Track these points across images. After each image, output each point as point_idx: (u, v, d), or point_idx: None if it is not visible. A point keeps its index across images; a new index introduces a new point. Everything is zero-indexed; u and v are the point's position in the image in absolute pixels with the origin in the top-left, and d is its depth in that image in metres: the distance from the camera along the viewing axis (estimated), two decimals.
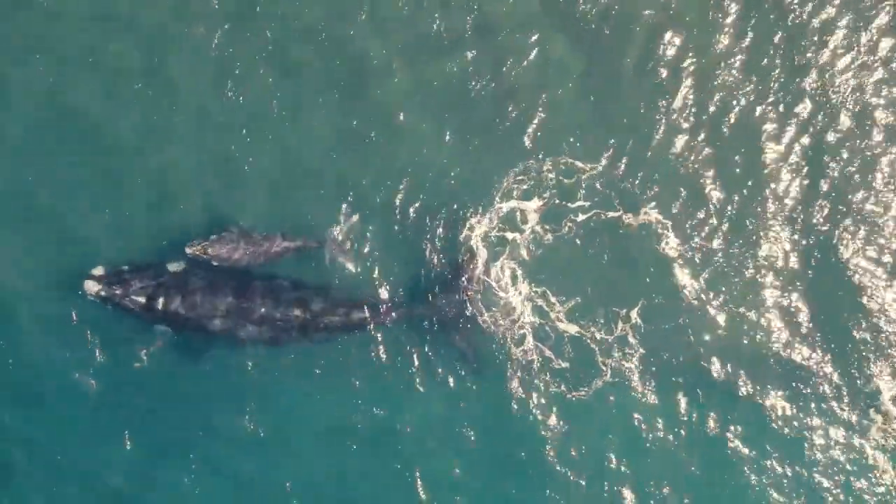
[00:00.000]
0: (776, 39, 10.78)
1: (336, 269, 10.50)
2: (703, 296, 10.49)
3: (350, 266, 10.45)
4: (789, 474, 10.30)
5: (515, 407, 10.43)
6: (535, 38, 10.76)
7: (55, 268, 10.50)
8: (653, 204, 10.61)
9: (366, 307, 10.44)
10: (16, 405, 10.47)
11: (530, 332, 10.48)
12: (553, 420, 10.40)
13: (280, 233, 10.48)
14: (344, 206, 10.56)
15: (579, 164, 10.61)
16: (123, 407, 10.45)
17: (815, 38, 10.74)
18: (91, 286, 10.19)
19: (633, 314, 10.46)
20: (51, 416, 10.44)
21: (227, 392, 10.45)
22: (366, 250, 10.54)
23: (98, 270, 10.31)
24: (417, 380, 10.46)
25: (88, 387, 10.40)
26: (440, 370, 10.47)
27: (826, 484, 10.27)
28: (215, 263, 10.29)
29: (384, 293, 10.53)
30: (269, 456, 10.43)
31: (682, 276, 10.50)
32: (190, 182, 10.69)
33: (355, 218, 10.53)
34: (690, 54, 10.71)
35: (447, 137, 10.74)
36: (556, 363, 10.45)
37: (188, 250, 10.25)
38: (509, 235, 10.59)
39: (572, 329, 10.48)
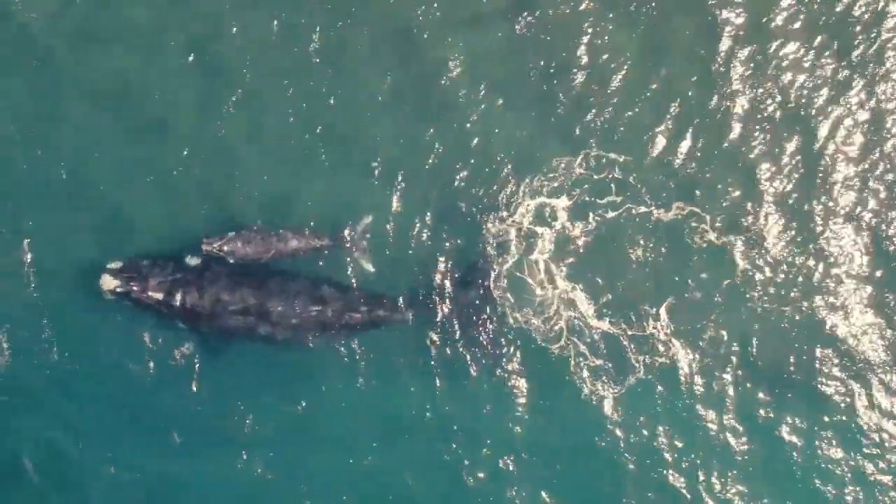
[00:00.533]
0: (832, 26, 10.54)
1: (356, 267, 10.37)
2: (737, 291, 10.33)
3: (368, 265, 10.31)
4: (838, 468, 10.16)
5: (553, 402, 10.32)
6: (588, 23, 10.54)
7: (73, 261, 10.39)
8: (689, 198, 10.41)
9: (387, 305, 10.30)
10: (42, 405, 10.38)
11: (566, 328, 10.30)
12: (591, 415, 10.29)
13: (296, 230, 10.32)
14: (362, 203, 10.45)
15: (613, 155, 10.40)
16: (150, 405, 10.36)
17: (871, 26, 10.53)
18: (108, 281, 10.00)
19: (665, 310, 10.31)
20: (75, 414, 10.32)
21: (250, 389, 10.36)
22: (386, 248, 10.42)
23: (115, 264, 10.13)
24: (442, 375, 10.34)
25: (115, 384, 10.32)
26: (464, 367, 10.33)
27: (875, 475, 10.16)
28: (231, 260, 10.15)
29: (405, 291, 10.38)
30: (291, 455, 10.29)
31: (717, 271, 10.34)
32: (206, 176, 10.53)
33: (369, 218, 10.39)
34: (744, 42, 10.49)
35: (471, 129, 10.55)
36: (590, 360, 10.28)
37: (204, 247, 10.09)
38: (540, 230, 10.41)
39: (605, 326, 10.32)
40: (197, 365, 10.23)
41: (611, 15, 10.47)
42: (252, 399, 10.28)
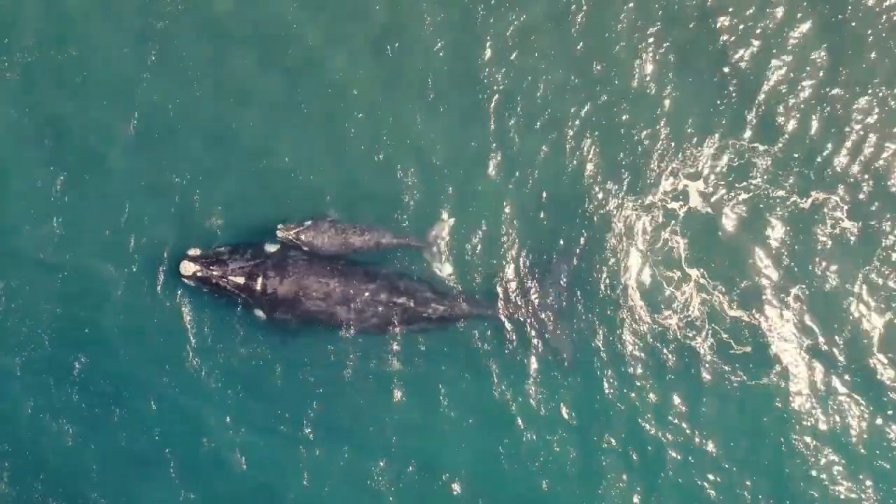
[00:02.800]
0: None
1: (438, 263, 10.28)
2: (874, 282, 9.86)
3: (441, 266, 10.22)
4: None
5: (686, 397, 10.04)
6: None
7: (148, 248, 10.41)
8: (828, 187, 10.00)
9: (470, 300, 10.16)
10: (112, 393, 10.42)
11: (700, 318, 10.03)
12: (729, 409, 9.97)
13: (372, 226, 10.13)
14: (443, 202, 10.28)
15: (755, 145, 10.07)
16: (227, 396, 10.32)
17: None
18: (188, 266, 9.90)
19: (803, 298, 9.93)
20: (152, 404, 10.34)
21: (326, 378, 10.25)
22: (471, 244, 10.27)
23: (194, 251, 10.05)
24: (525, 372, 10.17)
25: (192, 371, 10.29)
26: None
27: None
28: (305, 249, 10.00)
29: (487, 287, 10.23)
30: (364, 445, 10.18)
31: (852, 261, 9.89)
32: (290, 163, 10.42)
33: (450, 221, 10.23)
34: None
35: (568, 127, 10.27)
36: (733, 349, 9.98)
37: (279, 234, 9.95)
38: (673, 217, 10.14)
39: (740, 314, 9.99)
40: (271, 352, 10.25)
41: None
42: (329, 388, 10.18)
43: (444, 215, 10.24)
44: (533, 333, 10.14)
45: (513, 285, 10.19)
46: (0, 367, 10.33)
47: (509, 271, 10.20)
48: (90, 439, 10.27)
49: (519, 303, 10.18)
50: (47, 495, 10.25)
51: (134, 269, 10.32)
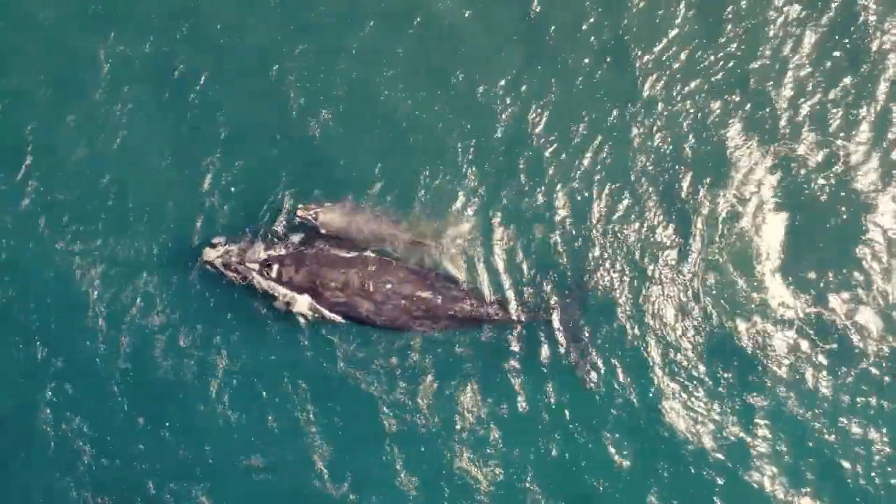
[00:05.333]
0: None
1: (452, 263, 10.33)
2: None
3: (454, 269, 10.25)
4: None
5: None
6: None
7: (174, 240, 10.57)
8: None
9: (495, 303, 10.14)
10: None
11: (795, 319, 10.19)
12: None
13: (387, 214, 10.31)
14: (467, 203, 10.42)
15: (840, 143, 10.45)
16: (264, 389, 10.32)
17: None
18: (209, 253, 10.14)
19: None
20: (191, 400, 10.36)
21: (344, 370, 10.26)
22: (498, 250, 10.41)
23: (217, 239, 10.27)
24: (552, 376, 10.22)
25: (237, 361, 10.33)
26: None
27: None
28: (323, 231, 10.11)
29: (515, 291, 10.30)
30: (386, 441, 10.12)
31: None
32: (313, 158, 10.64)
33: (467, 225, 10.36)
34: None
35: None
36: (813, 349, 10.13)
37: (298, 213, 10.14)
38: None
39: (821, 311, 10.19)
40: (285, 341, 10.28)
41: None
42: (349, 382, 10.19)
43: (469, 216, 10.37)
44: (553, 340, 10.14)
45: (538, 293, 10.24)
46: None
47: (538, 279, 10.27)
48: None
49: (543, 310, 10.16)
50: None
51: (161, 259, 10.44)
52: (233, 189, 10.52)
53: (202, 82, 10.70)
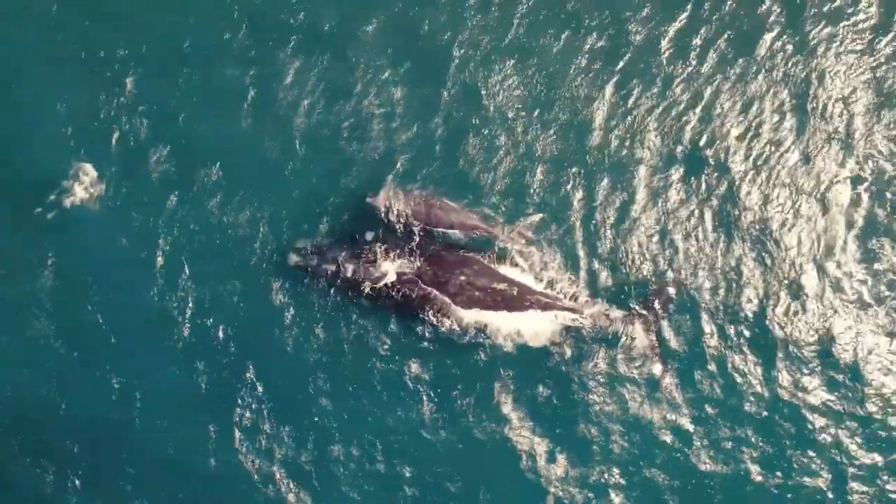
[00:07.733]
0: None
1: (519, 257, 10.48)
2: None
3: (521, 260, 10.38)
4: None
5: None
6: None
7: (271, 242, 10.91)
8: None
9: (569, 299, 10.33)
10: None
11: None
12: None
13: (458, 204, 10.52)
14: (530, 201, 10.70)
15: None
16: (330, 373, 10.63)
17: None
18: (292, 258, 10.60)
19: None
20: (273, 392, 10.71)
21: (422, 364, 10.54)
22: (570, 243, 10.59)
23: (300, 243, 10.69)
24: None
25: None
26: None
27: None
28: (391, 218, 10.36)
29: (589, 288, 10.48)
30: (453, 435, 10.42)
31: None
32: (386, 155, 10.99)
33: (538, 217, 10.53)
34: None
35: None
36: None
37: (368, 200, 10.46)
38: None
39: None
40: (366, 336, 10.60)
41: None
42: (426, 376, 10.46)
43: (535, 212, 10.56)
44: (624, 336, 10.31)
45: (623, 286, 10.42)
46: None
47: (620, 273, 10.46)
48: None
49: (626, 305, 10.35)
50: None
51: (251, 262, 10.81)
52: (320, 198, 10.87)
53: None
